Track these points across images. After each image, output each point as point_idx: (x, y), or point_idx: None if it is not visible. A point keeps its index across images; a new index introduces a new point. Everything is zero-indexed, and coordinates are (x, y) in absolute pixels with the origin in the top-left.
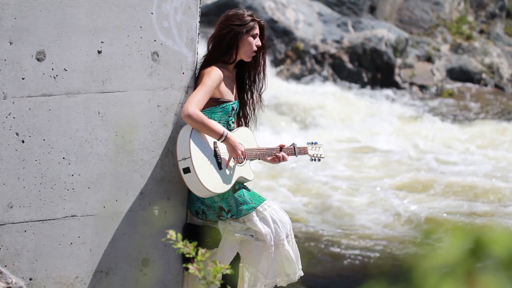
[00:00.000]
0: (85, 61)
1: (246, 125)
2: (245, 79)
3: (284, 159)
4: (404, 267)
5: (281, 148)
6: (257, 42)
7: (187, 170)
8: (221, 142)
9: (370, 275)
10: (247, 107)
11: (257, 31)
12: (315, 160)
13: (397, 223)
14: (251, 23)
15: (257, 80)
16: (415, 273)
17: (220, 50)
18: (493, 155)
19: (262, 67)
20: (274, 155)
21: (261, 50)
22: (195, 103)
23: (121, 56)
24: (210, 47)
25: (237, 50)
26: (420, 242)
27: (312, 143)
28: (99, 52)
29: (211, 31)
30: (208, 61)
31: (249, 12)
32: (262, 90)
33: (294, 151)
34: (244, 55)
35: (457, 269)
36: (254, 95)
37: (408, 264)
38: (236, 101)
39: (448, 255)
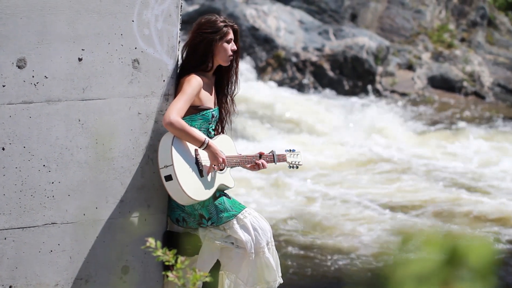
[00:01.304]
0: (66, 68)
1: (223, 129)
2: (220, 84)
3: (263, 166)
4: (381, 276)
5: (260, 155)
6: (232, 46)
7: (169, 178)
8: (203, 149)
9: (348, 283)
10: (223, 111)
11: (231, 35)
12: (293, 167)
13: (375, 232)
14: (224, 29)
15: (230, 83)
16: (392, 281)
17: (196, 59)
18: (475, 162)
19: (234, 70)
20: (254, 162)
21: (235, 53)
22: (176, 111)
23: (102, 63)
24: (184, 54)
25: (213, 57)
26: (397, 251)
27: (290, 150)
28: (80, 59)
29: None
30: (187, 70)
31: (222, 18)
32: (234, 93)
33: (273, 158)
34: (221, 60)
35: (434, 278)
36: (227, 98)
37: (385, 272)
38: (216, 108)
39: (425, 263)
